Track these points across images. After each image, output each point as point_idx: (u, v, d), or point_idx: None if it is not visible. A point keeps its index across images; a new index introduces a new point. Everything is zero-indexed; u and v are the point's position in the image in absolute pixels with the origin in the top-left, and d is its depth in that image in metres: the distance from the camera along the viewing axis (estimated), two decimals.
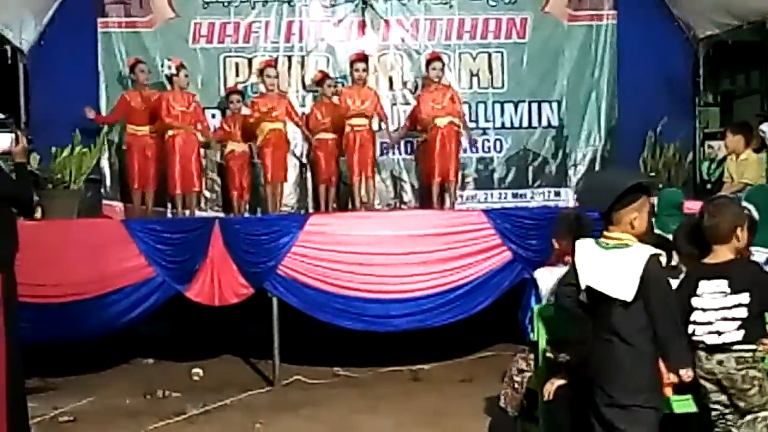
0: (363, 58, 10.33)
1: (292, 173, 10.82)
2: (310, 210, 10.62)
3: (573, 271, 4.62)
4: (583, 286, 4.53)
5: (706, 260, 5.00)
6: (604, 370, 4.47)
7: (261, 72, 10.21)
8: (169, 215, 10.30)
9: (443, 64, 10.26)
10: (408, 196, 10.98)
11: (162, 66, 10.33)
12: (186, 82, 10.10)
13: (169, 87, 10.12)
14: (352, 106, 10.07)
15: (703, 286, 4.90)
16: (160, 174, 10.17)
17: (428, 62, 10.30)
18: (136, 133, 10.16)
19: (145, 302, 8.39)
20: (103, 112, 10.54)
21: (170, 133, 9.95)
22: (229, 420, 7.47)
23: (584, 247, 4.60)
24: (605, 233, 4.54)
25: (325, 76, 10.50)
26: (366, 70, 10.28)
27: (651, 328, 4.41)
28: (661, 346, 4.44)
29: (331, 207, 10.31)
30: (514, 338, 7.05)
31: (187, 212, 10.04)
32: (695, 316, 4.87)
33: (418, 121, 10.36)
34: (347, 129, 10.11)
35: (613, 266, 4.45)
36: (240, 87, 10.67)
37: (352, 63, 10.30)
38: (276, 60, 10.65)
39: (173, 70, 10.00)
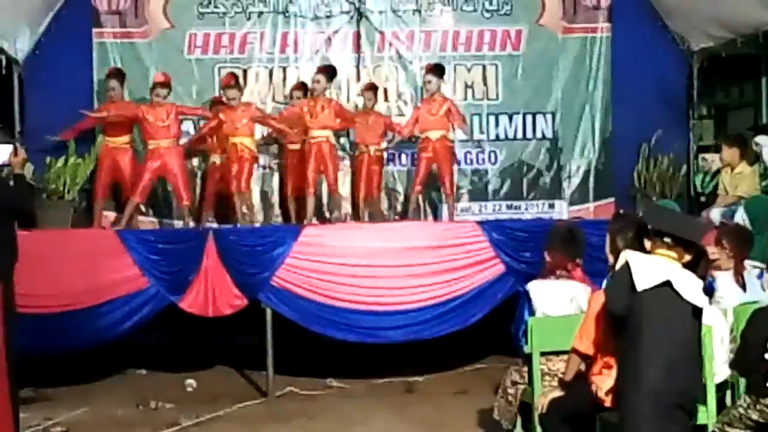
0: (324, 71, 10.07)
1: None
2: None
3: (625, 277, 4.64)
4: (648, 285, 4.54)
5: None
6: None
7: (223, 89, 9.95)
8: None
9: (438, 77, 10.17)
10: (402, 207, 10.95)
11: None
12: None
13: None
14: (311, 119, 9.78)
15: None
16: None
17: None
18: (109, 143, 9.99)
19: (139, 313, 8.39)
20: (99, 123, 10.53)
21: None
22: (223, 431, 7.46)
23: (643, 255, 4.67)
24: (658, 251, 4.64)
25: (300, 86, 10.44)
26: (326, 84, 9.96)
27: None
28: None
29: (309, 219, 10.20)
30: (507, 350, 7.07)
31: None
32: None
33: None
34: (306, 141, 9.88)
35: (684, 277, 4.56)
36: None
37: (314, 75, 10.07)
38: (236, 77, 10.16)
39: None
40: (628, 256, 4.66)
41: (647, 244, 4.71)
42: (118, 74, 10.15)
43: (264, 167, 10.89)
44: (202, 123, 10.45)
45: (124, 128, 10.00)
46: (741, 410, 5.18)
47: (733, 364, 5.50)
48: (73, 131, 9.99)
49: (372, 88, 10.45)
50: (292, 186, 10.27)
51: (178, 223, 10.03)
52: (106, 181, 9.94)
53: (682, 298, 4.53)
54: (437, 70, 10.14)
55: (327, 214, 10.32)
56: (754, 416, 5.11)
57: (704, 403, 5.18)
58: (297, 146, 10.18)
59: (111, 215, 10.49)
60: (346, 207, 10.55)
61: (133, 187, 9.72)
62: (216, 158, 10.25)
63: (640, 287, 4.54)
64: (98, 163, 9.83)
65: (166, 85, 9.78)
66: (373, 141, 10.31)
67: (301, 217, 9.98)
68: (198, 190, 10.71)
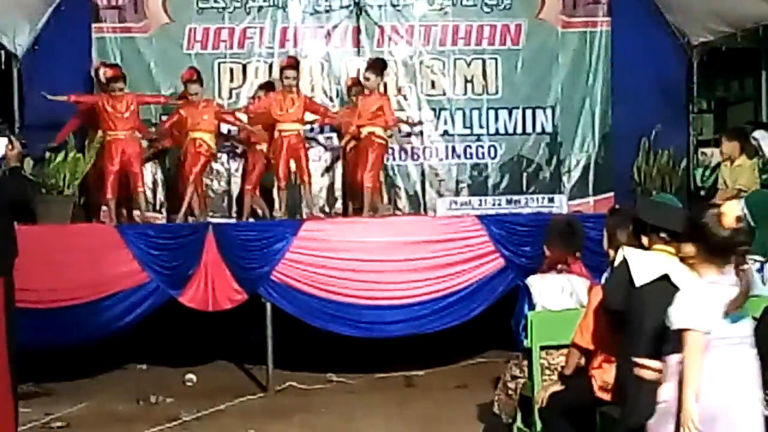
0: (294, 65, 10.03)
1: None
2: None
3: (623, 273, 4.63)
4: (647, 280, 4.53)
5: None
6: None
7: (185, 84, 9.93)
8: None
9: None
10: (402, 202, 10.95)
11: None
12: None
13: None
14: (280, 112, 9.77)
15: None
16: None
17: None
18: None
19: (139, 307, 8.40)
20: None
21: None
22: (223, 426, 7.47)
23: (640, 251, 4.68)
24: (655, 247, 4.64)
25: (270, 86, 10.39)
26: (296, 78, 9.93)
27: None
28: None
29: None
30: (507, 345, 7.08)
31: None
32: None
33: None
34: (276, 135, 9.87)
35: (682, 270, 4.54)
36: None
37: (281, 69, 10.02)
38: (198, 72, 10.13)
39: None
40: (626, 253, 4.66)
41: (644, 240, 4.72)
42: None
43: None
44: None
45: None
46: None
47: None
48: (65, 131, 9.93)
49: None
50: (256, 182, 10.20)
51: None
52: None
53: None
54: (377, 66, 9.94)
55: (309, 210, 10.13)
56: (765, 412, 5.11)
57: None
58: (263, 146, 10.15)
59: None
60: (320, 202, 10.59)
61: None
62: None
63: (638, 282, 4.54)
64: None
65: (120, 78, 9.77)
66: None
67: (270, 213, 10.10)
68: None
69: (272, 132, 9.94)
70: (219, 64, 10.82)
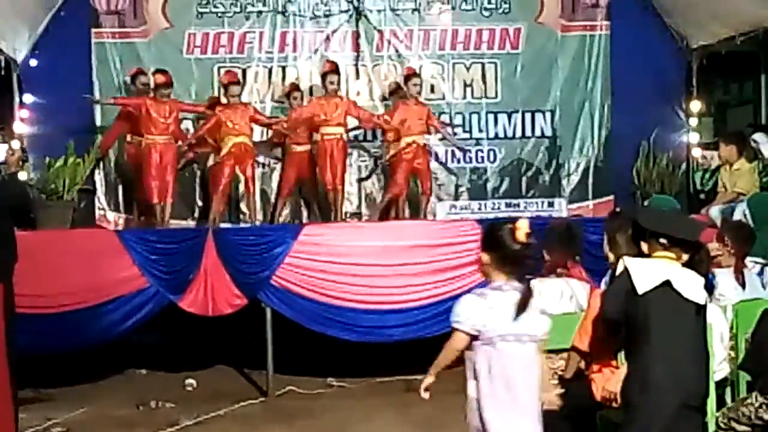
0: (335, 69, 10.24)
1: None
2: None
3: (624, 282, 4.63)
4: (649, 287, 4.54)
5: None
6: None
7: (225, 87, 10.09)
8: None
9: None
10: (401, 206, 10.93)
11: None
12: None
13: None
14: (324, 117, 9.98)
15: None
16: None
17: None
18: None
19: (139, 312, 8.41)
20: (99, 123, 10.56)
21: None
22: (223, 431, 7.46)
23: (641, 259, 4.67)
24: (656, 254, 4.63)
25: (294, 87, 10.46)
26: (339, 82, 10.20)
27: None
28: None
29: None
30: None
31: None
32: None
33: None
34: (318, 138, 10.06)
35: (684, 276, 4.57)
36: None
37: (324, 74, 10.21)
38: (243, 72, 10.53)
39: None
40: (627, 262, 4.65)
41: (644, 246, 4.71)
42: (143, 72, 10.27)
43: (264, 165, 10.88)
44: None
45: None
46: (751, 409, 5.18)
47: (744, 366, 5.49)
48: (111, 138, 10.37)
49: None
50: (293, 185, 10.29)
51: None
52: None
53: (683, 297, 4.52)
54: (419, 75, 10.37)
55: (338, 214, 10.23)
56: (766, 416, 5.12)
57: None
58: (304, 147, 10.25)
59: (115, 216, 10.56)
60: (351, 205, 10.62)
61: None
62: (216, 158, 10.28)
63: (641, 290, 4.53)
64: (143, 161, 9.87)
65: (170, 85, 9.92)
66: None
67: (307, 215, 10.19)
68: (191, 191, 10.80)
69: (310, 135, 10.17)
70: (219, 68, 10.82)
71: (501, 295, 4.37)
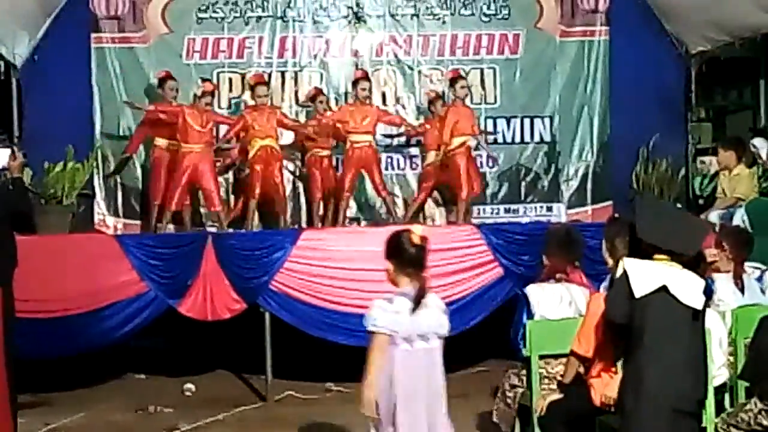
0: (366, 76, 10.32)
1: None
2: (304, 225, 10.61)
3: (624, 286, 4.63)
4: (646, 292, 4.53)
5: None
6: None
7: (252, 88, 10.16)
8: None
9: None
10: (400, 211, 10.92)
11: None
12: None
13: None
14: (354, 124, 10.04)
15: None
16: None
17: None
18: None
19: (138, 317, 8.40)
20: (98, 128, 10.56)
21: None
22: None
23: (640, 261, 4.65)
24: (656, 257, 4.63)
25: (319, 92, 10.49)
26: (370, 88, 10.27)
27: None
28: None
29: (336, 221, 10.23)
30: (506, 354, 7.05)
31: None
32: None
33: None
34: (348, 146, 10.11)
35: (682, 280, 4.56)
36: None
37: (355, 81, 10.26)
38: (269, 75, 10.65)
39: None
40: (626, 264, 4.65)
41: (644, 250, 4.71)
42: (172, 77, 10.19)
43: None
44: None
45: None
46: (750, 415, 5.19)
47: (744, 373, 5.49)
48: (136, 143, 10.41)
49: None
50: (322, 189, 10.30)
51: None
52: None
53: (680, 302, 4.52)
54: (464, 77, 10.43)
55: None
56: (765, 422, 5.12)
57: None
58: (326, 152, 10.29)
59: (114, 220, 10.57)
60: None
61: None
62: (240, 164, 10.38)
63: (638, 294, 4.53)
64: (175, 168, 9.87)
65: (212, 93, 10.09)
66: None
67: (334, 219, 10.18)
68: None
69: (332, 139, 10.23)
70: (218, 74, 10.82)
71: (406, 300, 4.75)
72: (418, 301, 4.75)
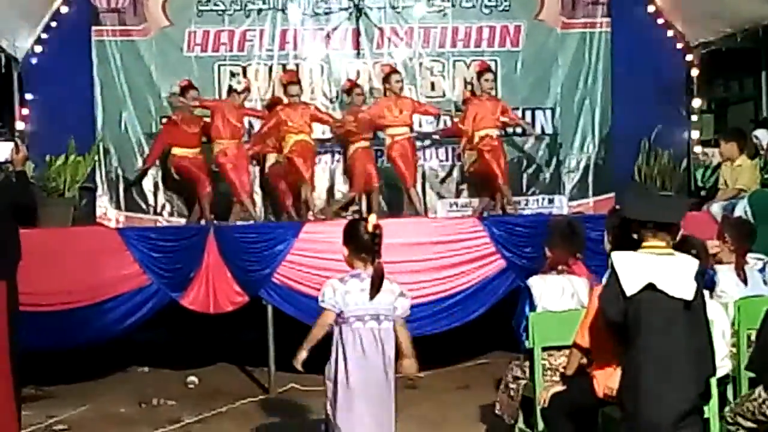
0: (396, 69, 10.37)
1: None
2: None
3: (615, 284, 4.62)
4: (635, 290, 4.53)
5: None
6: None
7: (284, 87, 10.15)
8: None
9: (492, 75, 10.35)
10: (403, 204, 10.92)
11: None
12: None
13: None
14: (390, 116, 10.06)
15: None
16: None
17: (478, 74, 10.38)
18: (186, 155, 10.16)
19: (140, 310, 8.41)
20: (99, 121, 10.57)
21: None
22: (224, 428, 7.48)
23: (628, 255, 4.64)
24: (646, 244, 4.62)
25: (354, 84, 10.49)
26: (402, 81, 10.29)
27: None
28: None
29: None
30: (509, 346, 7.08)
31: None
32: None
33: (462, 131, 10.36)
34: (388, 140, 10.15)
35: (670, 270, 4.54)
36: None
37: (386, 76, 10.26)
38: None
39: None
40: (614, 258, 4.65)
41: (635, 235, 4.71)
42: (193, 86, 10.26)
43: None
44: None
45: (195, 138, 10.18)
46: (755, 404, 5.19)
47: (750, 365, 5.49)
48: (155, 152, 10.47)
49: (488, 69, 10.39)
50: (362, 181, 10.32)
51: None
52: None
53: (669, 296, 4.50)
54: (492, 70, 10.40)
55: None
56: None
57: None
58: (366, 144, 10.29)
59: (116, 213, 10.57)
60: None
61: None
62: (277, 158, 10.36)
63: (629, 292, 4.52)
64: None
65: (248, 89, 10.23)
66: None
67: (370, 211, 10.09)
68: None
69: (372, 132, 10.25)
70: (219, 66, 10.83)
71: (358, 281, 5.16)
72: (373, 284, 5.11)
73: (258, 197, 10.69)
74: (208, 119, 10.07)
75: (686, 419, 4.51)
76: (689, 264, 4.60)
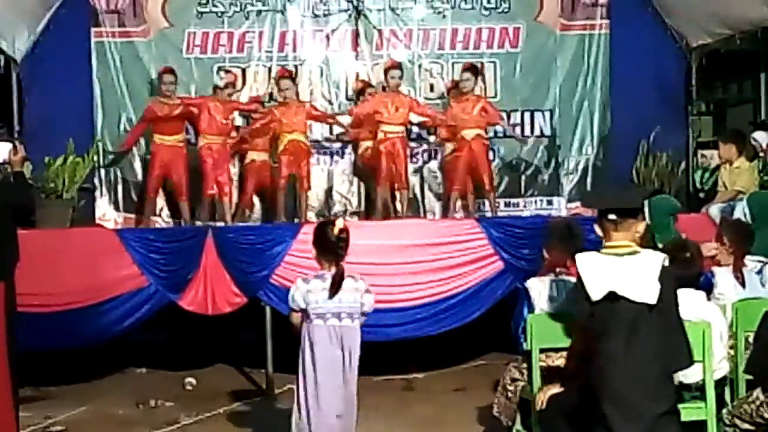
0: (397, 65, 10.27)
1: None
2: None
3: (582, 287, 4.60)
4: (599, 296, 4.52)
5: None
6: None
7: (277, 83, 10.17)
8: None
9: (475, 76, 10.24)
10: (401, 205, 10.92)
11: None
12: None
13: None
14: (387, 114, 9.96)
15: None
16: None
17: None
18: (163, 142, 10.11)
19: (138, 311, 8.39)
20: (99, 122, 10.59)
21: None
22: (222, 429, 7.47)
23: (591, 259, 4.61)
24: (609, 243, 4.58)
25: (367, 84, 10.47)
26: (402, 78, 10.22)
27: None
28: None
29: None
30: (507, 347, 7.07)
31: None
32: None
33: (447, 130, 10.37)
34: (380, 135, 10.01)
35: (634, 272, 4.50)
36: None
37: (386, 70, 10.19)
38: (269, 69, 10.67)
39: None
40: (578, 262, 4.64)
41: (599, 230, 4.70)
42: (173, 71, 10.20)
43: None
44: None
45: (178, 126, 10.14)
46: (753, 407, 5.19)
47: (748, 368, 5.48)
48: (132, 138, 10.46)
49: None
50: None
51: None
52: (159, 180, 10.12)
53: (631, 301, 4.48)
54: (474, 69, 10.23)
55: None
56: (767, 414, 5.13)
57: (702, 399, 5.20)
58: (370, 143, 10.26)
59: (115, 215, 10.57)
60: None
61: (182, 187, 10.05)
62: (256, 156, 10.34)
63: (594, 298, 4.52)
64: (151, 161, 10.13)
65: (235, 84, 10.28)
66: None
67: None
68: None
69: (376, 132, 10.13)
70: (218, 68, 10.81)
71: (320, 281, 5.44)
72: (333, 283, 5.39)
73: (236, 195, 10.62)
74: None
75: (659, 422, 4.49)
76: (653, 262, 4.54)
